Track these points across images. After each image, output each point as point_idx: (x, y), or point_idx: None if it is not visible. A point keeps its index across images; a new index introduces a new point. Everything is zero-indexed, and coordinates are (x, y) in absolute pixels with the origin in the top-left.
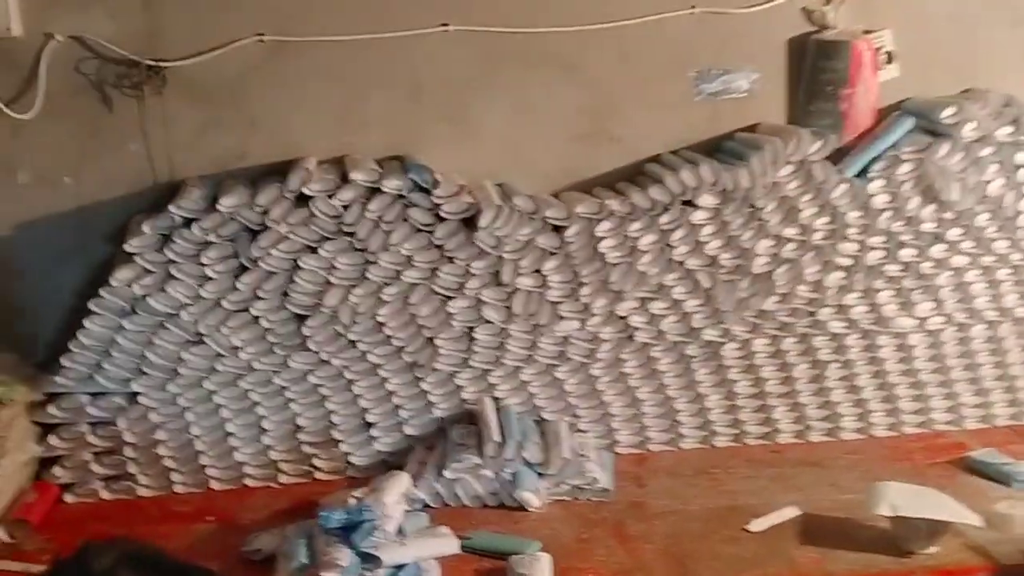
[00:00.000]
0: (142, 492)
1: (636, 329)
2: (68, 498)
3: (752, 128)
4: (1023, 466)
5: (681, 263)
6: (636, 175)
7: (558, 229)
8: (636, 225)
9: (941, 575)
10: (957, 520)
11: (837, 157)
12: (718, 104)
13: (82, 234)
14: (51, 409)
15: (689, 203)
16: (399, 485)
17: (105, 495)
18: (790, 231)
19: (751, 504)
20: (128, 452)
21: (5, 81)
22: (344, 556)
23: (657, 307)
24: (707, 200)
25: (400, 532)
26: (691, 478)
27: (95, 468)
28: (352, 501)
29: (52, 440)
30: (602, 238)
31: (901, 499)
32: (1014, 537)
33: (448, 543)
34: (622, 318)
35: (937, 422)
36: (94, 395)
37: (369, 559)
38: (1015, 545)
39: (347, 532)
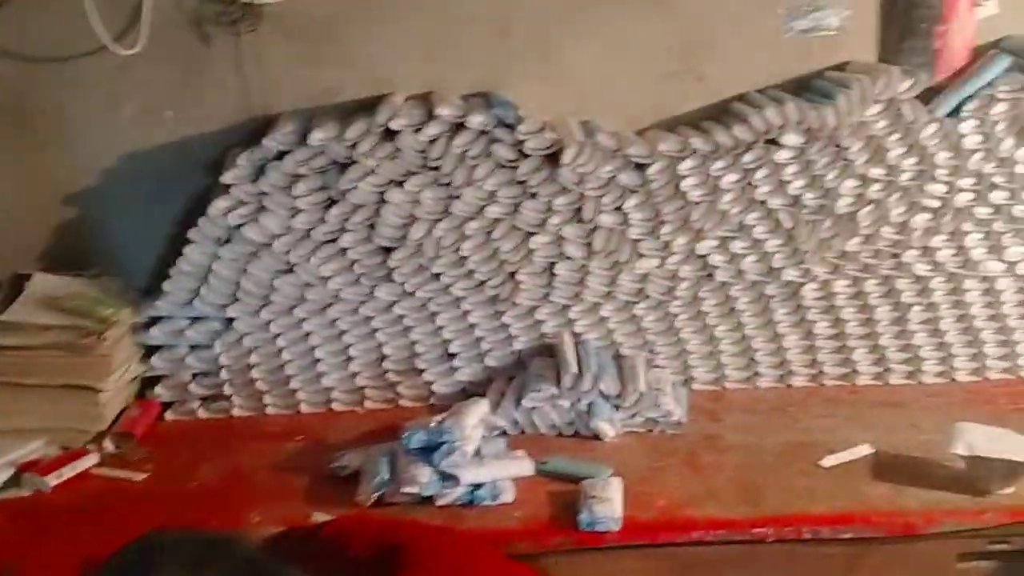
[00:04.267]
0: (236, 412)
1: (716, 268)
2: (168, 416)
3: (842, 66)
4: None
5: (763, 202)
6: (722, 114)
7: (641, 167)
8: (719, 164)
9: (1015, 515)
10: None
11: (929, 96)
12: (808, 41)
13: (182, 166)
14: (153, 332)
15: (774, 142)
16: (478, 411)
17: (202, 414)
18: (877, 171)
19: (825, 441)
20: (223, 374)
21: (114, 17)
22: (424, 473)
23: (737, 246)
24: (792, 139)
25: (478, 454)
26: (766, 415)
27: (193, 388)
28: (433, 424)
29: (154, 361)
30: (684, 176)
31: (979, 439)
32: None
33: (524, 465)
34: (702, 257)
35: (1023, 368)
36: (193, 320)
37: (448, 477)
38: None
39: (427, 452)
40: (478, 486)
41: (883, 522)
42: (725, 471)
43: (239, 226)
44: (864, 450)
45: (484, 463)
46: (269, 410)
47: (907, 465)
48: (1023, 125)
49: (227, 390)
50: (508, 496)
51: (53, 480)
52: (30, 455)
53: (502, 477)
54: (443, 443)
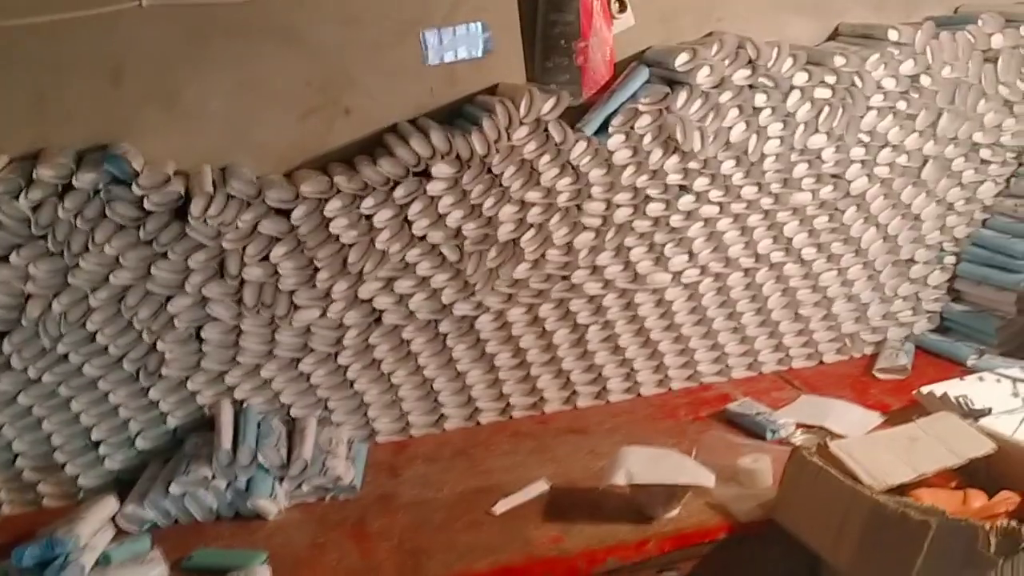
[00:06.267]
0: None
1: (383, 311)
2: None
3: (492, 89)
4: (776, 415)
5: (423, 237)
6: (376, 147)
7: (286, 212)
8: (369, 201)
9: (679, 539)
10: (691, 482)
11: (578, 114)
12: (455, 67)
13: None
14: None
15: (426, 173)
16: (101, 511)
17: None
18: (534, 195)
19: (504, 483)
20: None
21: None
22: None
23: (403, 286)
24: (443, 169)
25: (105, 562)
26: (449, 461)
27: None
28: (46, 535)
29: None
30: (333, 218)
31: (638, 466)
32: (757, 492)
33: (155, 570)
34: (367, 301)
35: (704, 375)
36: None
37: None
38: (756, 500)
39: (43, 569)
40: None
41: (545, 571)
42: (391, 538)
43: None
44: (539, 488)
45: (112, 572)
46: None
47: (579, 499)
48: (669, 135)
49: None
50: None
51: None
52: None
53: None
54: (56, 556)
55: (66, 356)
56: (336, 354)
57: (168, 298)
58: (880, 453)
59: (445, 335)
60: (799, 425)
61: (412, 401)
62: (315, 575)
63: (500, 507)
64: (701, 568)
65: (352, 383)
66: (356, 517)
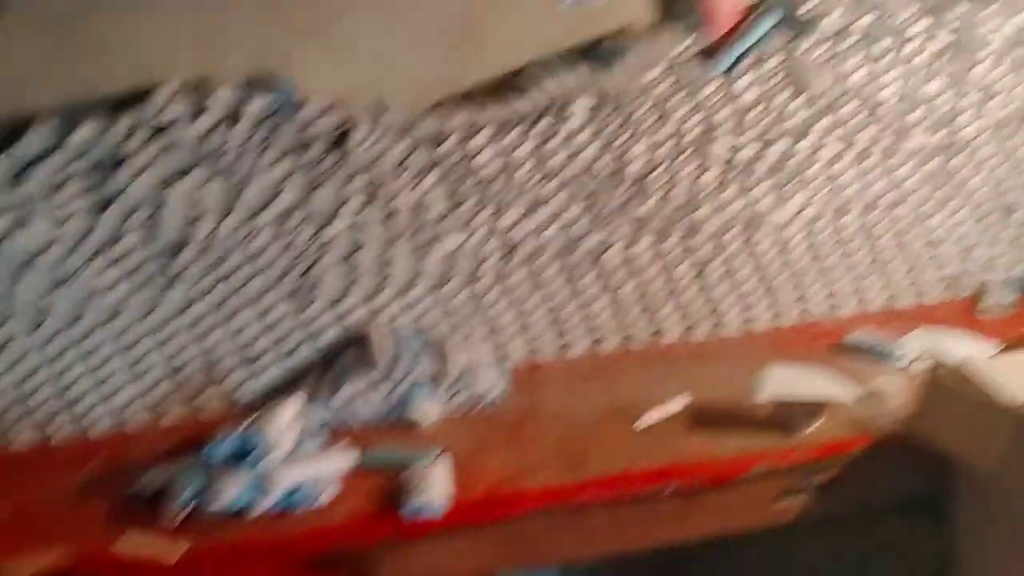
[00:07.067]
0: (18, 447)
1: (520, 241)
2: None
3: (621, 31)
4: (897, 345)
5: (559, 171)
6: (509, 84)
7: (434, 143)
8: (512, 135)
9: (820, 451)
10: (831, 398)
11: (708, 55)
12: (588, 6)
13: None
14: None
15: (563, 110)
16: (290, 410)
17: None
18: (664, 132)
19: (640, 402)
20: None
21: None
22: (235, 485)
23: (539, 218)
24: (581, 105)
25: (294, 455)
26: (581, 384)
27: None
28: (241, 430)
29: None
30: (477, 151)
31: (782, 383)
32: (889, 410)
33: (345, 458)
34: (506, 231)
35: (817, 311)
36: None
37: (261, 486)
38: (889, 417)
39: (238, 461)
40: (295, 490)
41: (701, 472)
42: (547, 441)
43: (1, 239)
44: (678, 405)
45: (300, 464)
46: (57, 437)
47: (720, 414)
48: (794, 78)
49: (7, 418)
50: (328, 495)
51: None
52: None
53: (321, 475)
54: (253, 449)
55: (233, 272)
56: (477, 280)
57: (326, 222)
58: (1015, 372)
59: (575, 266)
60: (922, 352)
61: (543, 327)
62: (485, 470)
63: (644, 420)
64: (839, 480)
65: (489, 308)
66: (507, 426)
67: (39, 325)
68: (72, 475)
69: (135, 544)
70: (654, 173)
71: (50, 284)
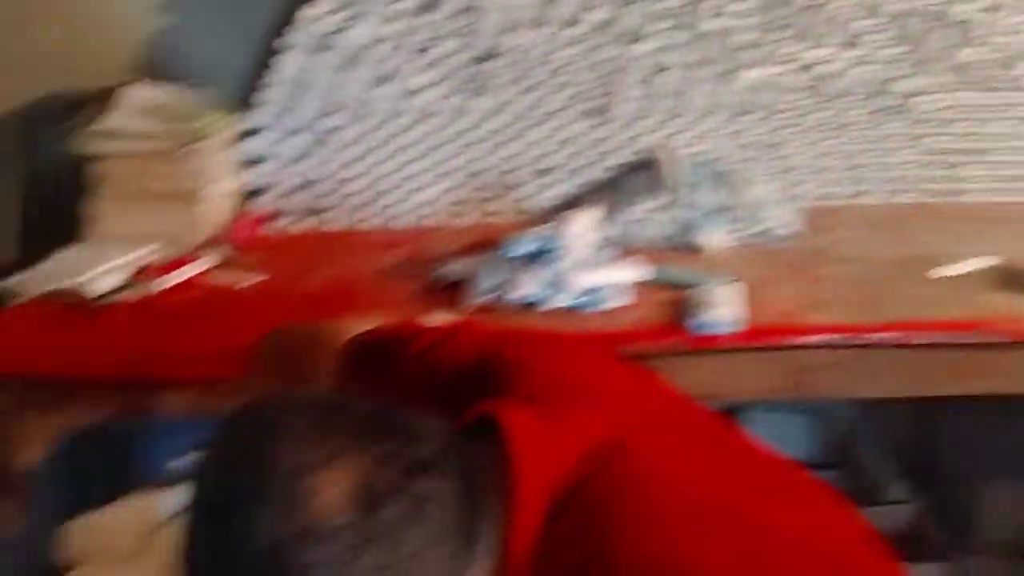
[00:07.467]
0: (333, 226)
1: (826, 79)
2: (267, 229)
3: None
4: None
5: (876, 9)
6: None
7: None
8: None
9: None
10: None
11: None
12: None
13: None
14: (251, 144)
15: None
16: (588, 217)
17: (300, 227)
18: None
19: (941, 254)
20: (320, 187)
21: None
22: (531, 279)
23: (849, 56)
24: None
25: (589, 261)
26: (873, 230)
27: (290, 201)
28: (539, 230)
29: (251, 174)
30: None
31: None
32: None
33: (638, 270)
34: (811, 66)
35: None
36: (290, 132)
37: (555, 283)
38: None
39: (534, 258)
40: (589, 292)
41: (1008, 328)
42: (839, 281)
43: (334, 32)
44: (984, 262)
45: (594, 268)
46: (365, 224)
47: None
48: None
49: (324, 203)
50: (620, 301)
51: (162, 284)
52: (140, 260)
53: (614, 282)
54: (551, 251)
55: (533, 87)
56: (775, 115)
57: (632, 42)
58: None
59: (882, 111)
60: None
61: (839, 171)
62: (773, 300)
63: (945, 272)
64: None
65: (785, 145)
66: (796, 262)
67: (362, 118)
68: (377, 259)
69: (441, 321)
70: (977, 17)
71: (374, 80)
